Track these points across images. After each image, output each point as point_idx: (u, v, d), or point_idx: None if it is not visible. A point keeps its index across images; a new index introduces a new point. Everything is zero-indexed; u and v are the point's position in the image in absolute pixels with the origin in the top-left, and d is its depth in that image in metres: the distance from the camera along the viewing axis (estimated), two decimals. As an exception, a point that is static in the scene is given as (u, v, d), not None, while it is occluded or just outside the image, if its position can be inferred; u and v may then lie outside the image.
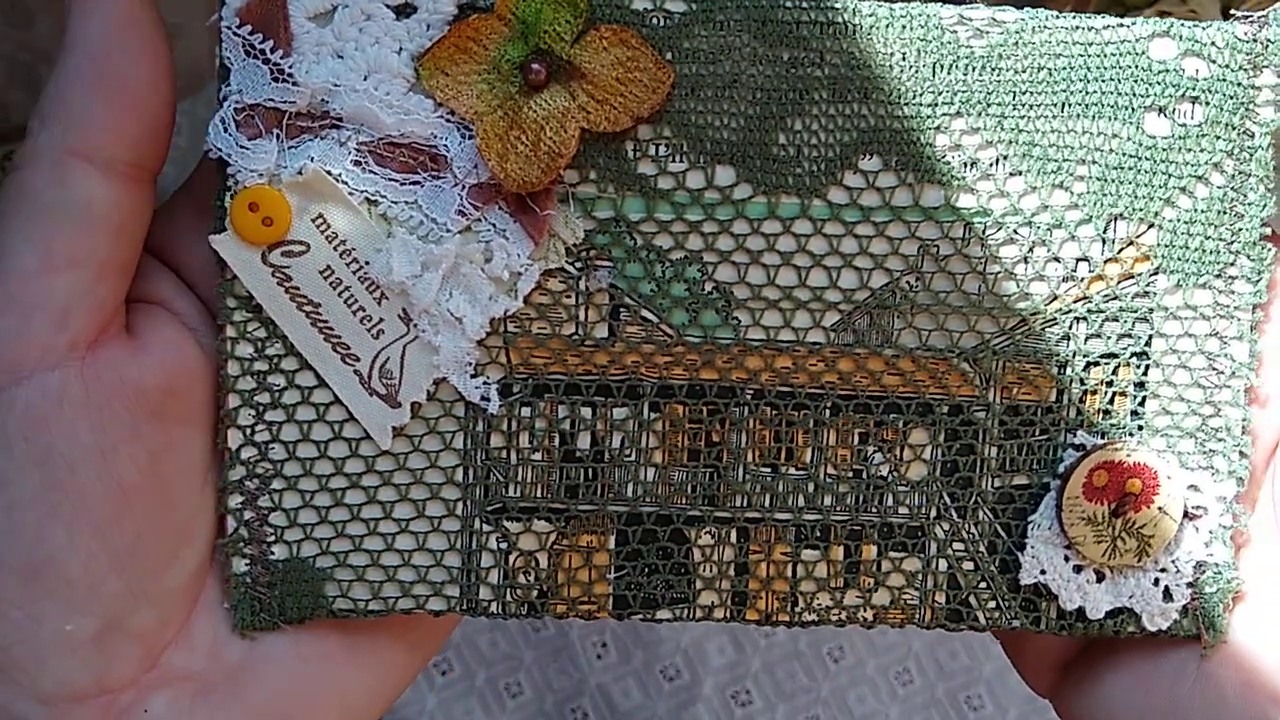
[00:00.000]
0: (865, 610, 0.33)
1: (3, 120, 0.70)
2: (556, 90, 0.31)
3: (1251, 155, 0.32)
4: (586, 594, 0.33)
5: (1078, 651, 0.36)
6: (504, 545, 0.33)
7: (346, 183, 0.31)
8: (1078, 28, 0.31)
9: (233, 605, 0.32)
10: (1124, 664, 0.34)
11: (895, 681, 0.76)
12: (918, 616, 0.33)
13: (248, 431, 0.32)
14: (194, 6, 0.71)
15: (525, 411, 0.33)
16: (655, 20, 0.31)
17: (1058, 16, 0.31)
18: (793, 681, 0.75)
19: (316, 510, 0.33)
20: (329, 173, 0.31)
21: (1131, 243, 0.32)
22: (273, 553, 0.33)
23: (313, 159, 0.31)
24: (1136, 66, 0.31)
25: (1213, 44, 0.31)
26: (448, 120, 0.31)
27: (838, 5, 0.31)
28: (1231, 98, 0.31)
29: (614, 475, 0.33)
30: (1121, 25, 0.31)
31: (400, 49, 0.31)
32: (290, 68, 0.30)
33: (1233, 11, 0.32)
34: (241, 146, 0.30)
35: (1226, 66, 0.31)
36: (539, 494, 0.33)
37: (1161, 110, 0.31)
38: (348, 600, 0.33)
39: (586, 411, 0.33)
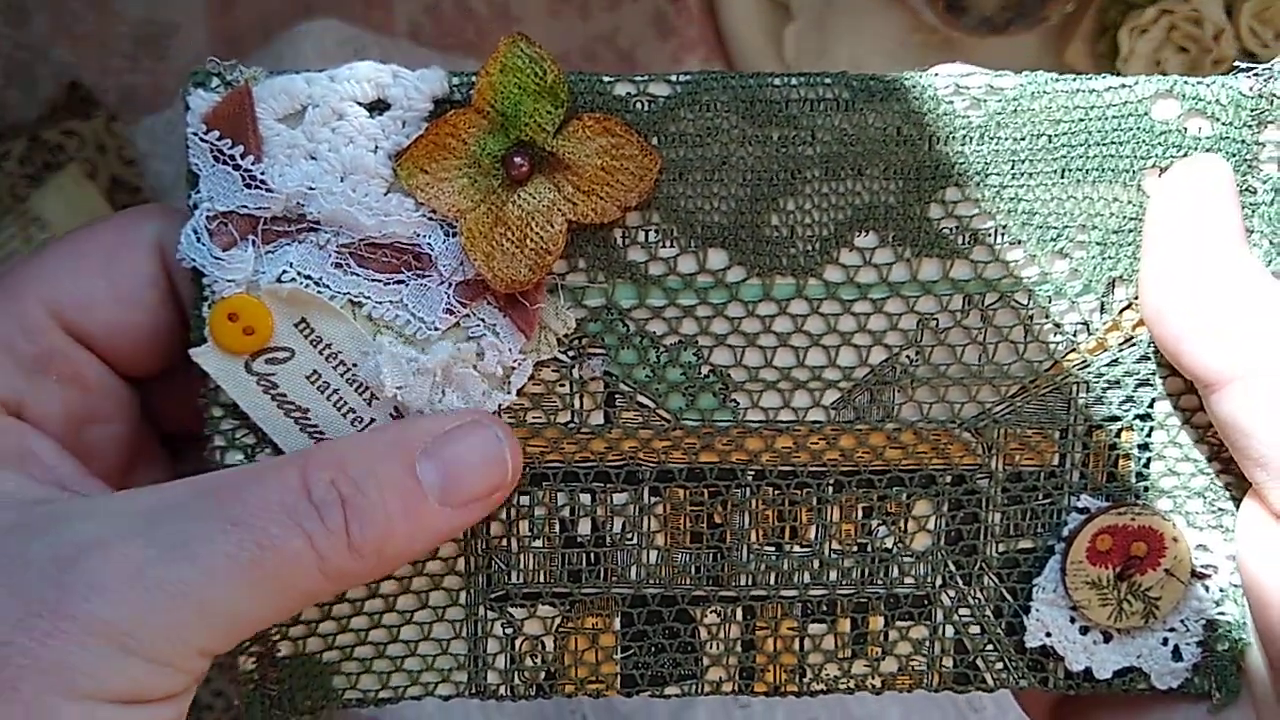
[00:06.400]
0: (873, 678, 0.33)
1: (0, 119, 0.68)
2: (541, 183, 0.29)
3: (1254, 211, 0.31)
4: (594, 674, 0.33)
5: None
6: (509, 630, 0.33)
7: (328, 286, 0.30)
8: (1079, 91, 0.30)
9: (244, 702, 0.32)
10: (1117, 700, 0.34)
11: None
12: (925, 681, 0.33)
13: (244, 533, 0.32)
14: (194, 7, 0.69)
15: (524, 500, 0.32)
16: (639, 105, 0.30)
17: (1058, 79, 0.30)
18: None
19: (319, 607, 0.32)
20: (309, 278, 0.30)
21: (1130, 305, 0.31)
22: (279, 650, 0.32)
23: (291, 264, 0.30)
24: (1139, 129, 0.30)
25: (1216, 102, 0.30)
26: (430, 218, 0.30)
27: (828, 81, 0.30)
28: (1234, 155, 0.30)
29: (617, 559, 0.33)
30: (1124, 86, 0.30)
31: (376, 148, 0.29)
32: (262, 173, 0.29)
33: (1237, 64, 0.30)
34: (216, 257, 0.29)
35: (1229, 124, 0.30)
36: (542, 580, 0.33)
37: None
38: (357, 691, 0.33)
39: (586, 498, 0.32)
